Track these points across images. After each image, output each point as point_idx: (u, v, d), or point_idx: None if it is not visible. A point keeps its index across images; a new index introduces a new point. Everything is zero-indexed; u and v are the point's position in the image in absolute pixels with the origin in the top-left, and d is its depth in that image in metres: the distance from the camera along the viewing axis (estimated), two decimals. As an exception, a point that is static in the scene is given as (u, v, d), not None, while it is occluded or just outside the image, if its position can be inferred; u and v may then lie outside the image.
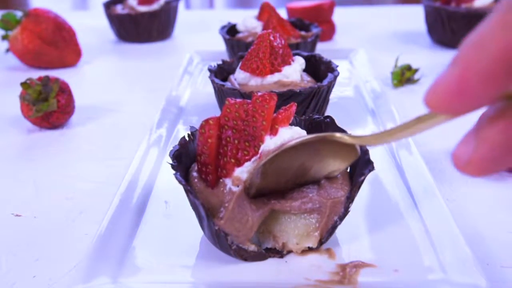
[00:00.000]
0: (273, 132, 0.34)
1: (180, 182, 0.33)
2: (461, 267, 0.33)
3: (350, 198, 0.35)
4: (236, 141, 0.34)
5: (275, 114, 0.35)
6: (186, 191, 0.34)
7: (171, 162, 0.35)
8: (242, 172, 0.33)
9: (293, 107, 0.35)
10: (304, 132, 0.36)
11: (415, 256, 0.35)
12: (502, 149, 0.20)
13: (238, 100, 0.34)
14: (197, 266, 0.35)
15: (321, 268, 0.34)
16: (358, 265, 0.34)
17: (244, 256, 0.35)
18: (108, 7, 0.90)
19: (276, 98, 0.34)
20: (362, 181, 0.34)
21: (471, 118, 0.49)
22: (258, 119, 0.33)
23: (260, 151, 0.33)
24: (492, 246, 0.36)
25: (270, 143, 0.33)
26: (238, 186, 0.33)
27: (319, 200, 0.34)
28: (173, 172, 0.34)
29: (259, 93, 0.34)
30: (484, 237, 0.37)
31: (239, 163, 0.34)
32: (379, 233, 0.38)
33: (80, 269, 0.34)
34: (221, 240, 0.34)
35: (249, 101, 0.34)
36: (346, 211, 0.35)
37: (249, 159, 0.34)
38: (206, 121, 0.34)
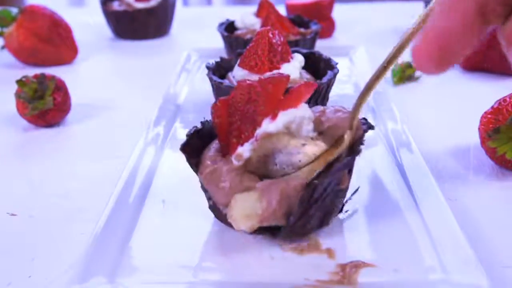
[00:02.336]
0: (273, 116, 0.34)
1: (188, 134, 0.37)
2: (462, 267, 0.33)
3: (310, 186, 0.32)
4: (239, 122, 0.35)
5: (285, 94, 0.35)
6: (187, 135, 0.37)
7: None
8: (244, 150, 0.34)
9: (311, 87, 0.35)
10: (308, 113, 0.36)
11: (416, 255, 0.35)
12: None
13: (248, 82, 0.35)
14: (194, 266, 0.35)
15: (320, 268, 0.34)
16: (358, 265, 0.34)
17: (218, 216, 0.36)
18: (104, 3, 0.89)
19: (287, 81, 0.35)
20: (335, 171, 0.33)
21: (472, 118, 0.49)
22: (259, 103, 0.34)
23: (255, 133, 0.34)
24: (493, 245, 0.36)
25: (266, 127, 0.34)
26: (239, 162, 0.34)
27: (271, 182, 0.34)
28: (188, 130, 0.38)
29: (271, 75, 0.35)
30: (485, 236, 0.37)
31: (241, 143, 0.35)
32: (379, 232, 0.37)
33: (76, 268, 0.33)
34: (204, 193, 0.36)
35: (260, 82, 0.35)
36: (308, 202, 0.33)
37: (247, 140, 0.35)
38: (215, 102, 0.36)
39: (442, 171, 0.45)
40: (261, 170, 0.35)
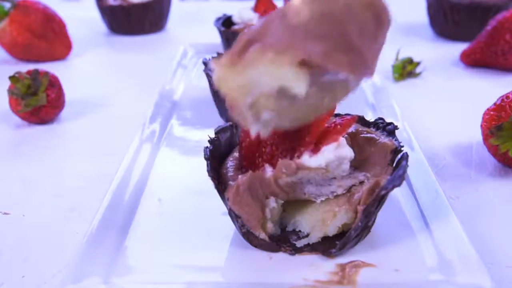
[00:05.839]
0: (315, 150, 0.32)
1: (207, 158, 0.34)
2: (464, 266, 0.32)
3: (366, 211, 0.32)
4: (274, 148, 0.33)
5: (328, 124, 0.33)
6: (207, 159, 0.34)
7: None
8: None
9: (351, 121, 0.34)
10: (350, 153, 0.33)
11: (417, 255, 0.34)
12: None
13: None
14: (191, 266, 0.34)
15: (319, 268, 0.33)
16: (357, 265, 0.34)
17: (254, 242, 0.35)
18: (100, -2, 0.88)
19: (331, 113, 0.33)
20: (383, 195, 0.32)
21: (474, 115, 0.48)
22: (303, 133, 0.32)
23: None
24: (496, 245, 0.35)
25: (307, 161, 0.32)
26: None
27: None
28: (204, 153, 0.35)
29: None
30: (488, 235, 0.36)
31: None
32: (380, 232, 0.37)
33: (70, 269, 0.33)
34: (233, 221, 0.34)
35: None
36: (362, 223, 0.33)
37: None
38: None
39: (443, 169, 0.45)
40: (289, 194, 0.34)
